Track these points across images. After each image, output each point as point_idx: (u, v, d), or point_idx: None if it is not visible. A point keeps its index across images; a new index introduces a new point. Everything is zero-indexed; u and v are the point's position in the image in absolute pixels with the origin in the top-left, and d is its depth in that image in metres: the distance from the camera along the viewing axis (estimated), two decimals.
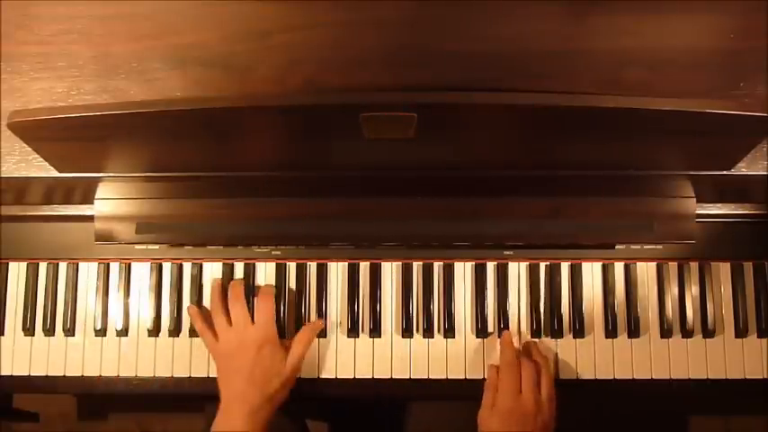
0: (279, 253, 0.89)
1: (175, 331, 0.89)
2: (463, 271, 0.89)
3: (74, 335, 0.89)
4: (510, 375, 0.81)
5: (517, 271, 0.89)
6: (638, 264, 0.89)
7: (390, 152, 0.69)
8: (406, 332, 0.88)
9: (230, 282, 0.88)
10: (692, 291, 0.88)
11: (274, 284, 0.89)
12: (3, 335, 0.90)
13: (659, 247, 0.88)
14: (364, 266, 0.89)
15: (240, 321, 0.84)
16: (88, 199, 0.83)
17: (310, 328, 0.86)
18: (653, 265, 0.89)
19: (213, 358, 0.85)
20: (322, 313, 0.88)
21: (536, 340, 0.87)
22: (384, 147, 0.67)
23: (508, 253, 0.89)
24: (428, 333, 0.88)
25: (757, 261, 0.89)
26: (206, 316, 0.87)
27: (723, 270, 0.89)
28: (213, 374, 0.87)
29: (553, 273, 0.89)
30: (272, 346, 0.83)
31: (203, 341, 0.86)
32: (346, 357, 0.88)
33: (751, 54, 0.69)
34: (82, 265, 0.91)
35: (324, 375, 0.87)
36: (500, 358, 0.84)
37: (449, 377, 0.87)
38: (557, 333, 0.88)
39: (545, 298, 0.89)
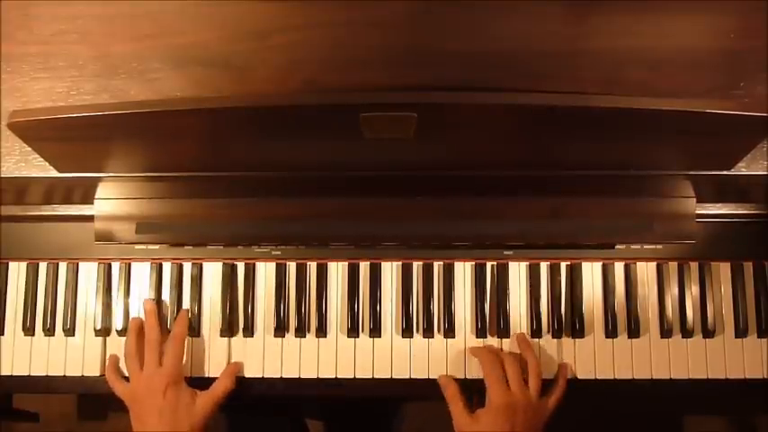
0: (279, 253, 0.89)
1: None
2: (463, 271, 0.89)
3: (74, 335, 0.89)
4: (495, 372, 0.81)
5: (517, 271, 0.89)
6: (638, 264, 0.89)
7: (390, 152, 0.69)
8: (406, 332, 0.88)
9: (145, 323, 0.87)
10: (692, 291, 0.88)
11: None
12: (3, 335, 0.90)
13: (659, 247, 0.88)
14: (364, 266, 0.89)
15: (149, 364, 0.83)
16: (88, 199, 0.83)
17: (229, 371, 0.85)
18: (653, 265, 0.89)
19: (125, 402, 0.84)
20: (322, 313, 0.88)
21: (536, 340, 0.88)
22: (384, 147, 0.67)
23: (508, 253, 0.89)
24: (428, 333, 0.88)
25: (757, 261, 0.89)
26: (117, 362, 0.87)
27: (723, 270, 0.89)
28: (212, 374, 0.87)
29: (553, 273, 0.89)
30: (178, 387, 0.82)
31: (112, 387, 0.85)
32: (346, 357, 0.88)
33: (751, 54, 0.69)
34: (82, 265, 0.90)
35: (324, 375, 0.87)
36: (480, 359, 0.84)
37: (453, 379, 0.86)
38: (557, 333, 0.88)
39: (545, 298, 0.88)
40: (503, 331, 0.87)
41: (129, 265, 0.90)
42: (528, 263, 0.89)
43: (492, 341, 0.88)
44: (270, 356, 0.88)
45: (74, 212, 0.86)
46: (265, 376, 0.87)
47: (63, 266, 0.91)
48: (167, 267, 0.90)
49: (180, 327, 0.86)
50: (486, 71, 0.68)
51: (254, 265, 0.90)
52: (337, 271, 0.89)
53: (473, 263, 0.89)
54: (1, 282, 0.91)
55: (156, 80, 0.69)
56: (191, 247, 0.89)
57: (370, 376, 0.87)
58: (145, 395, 0.82)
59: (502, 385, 0.80)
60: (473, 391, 0.84)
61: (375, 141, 0.64)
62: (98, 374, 0.88)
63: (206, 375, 0.88)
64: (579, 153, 0.70)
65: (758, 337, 0.87)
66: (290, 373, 0.87)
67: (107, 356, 0.88)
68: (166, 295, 0.90)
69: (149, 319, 0.86)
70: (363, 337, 0.88)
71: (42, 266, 0.91)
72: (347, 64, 0.68)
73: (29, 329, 0.90)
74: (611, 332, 0.87)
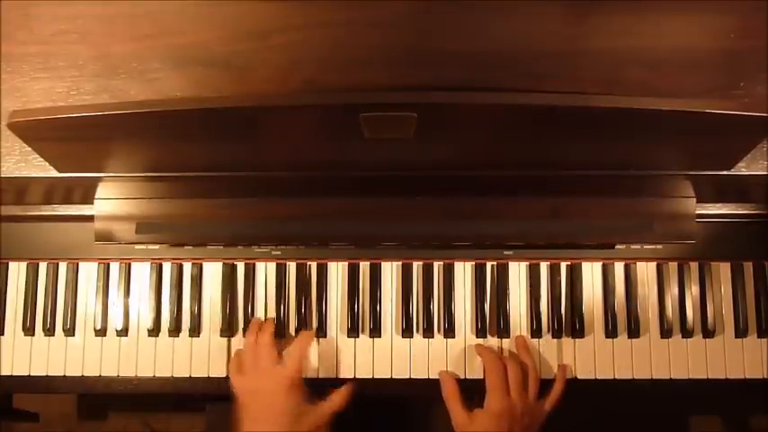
0: (279, 253, 0.89)
1: (175, 331, 0.89)
2: (463, 271, 0.89)
3: (74, 335, 0.89)
4: (497, 376, 0.81)
5: (517, 271, 0.89)
6: (638, 264, 0.89)
7: (390, 152, 0.69)
8: (406, 332, 0.88)
9: (263, 323, 0.87)
10: (692, 291, 0.88)
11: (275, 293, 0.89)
12: (3, 335, 0.90)
13: (659, 247, 0.88)
14: (364, 266, 0.89)
15: (268, 361, 0.83)
16: (88, 199, 0.83)
17: (343, 393, 0.83)
18: (653, 265, 0.89)
19: (238, 396, 0.83)
20: (322, 313, 0.88)
21: (536, 340, 0.88)
22: (384, 147, 0.67)
23: (508, 253, 0.89)
24: (428, 333, 0.88)
25: (757, 261, 0.89)
26: (237, 353, 0.87)
27: (723, 270, 0.89)
28: (213, 374, 0.87)
29: (553, 273, 0.89)
30: (300, 390, 0.81)
31: (231, 378, 0.84)
32: (346, 357, 0.88)
33: (751, 54, 0.69)
34: (82, 265, 0.91)
35: (324, 375, 0.87)
36: (484, 361, 0.84)
37: (454, 377, 0.87)
38: (557, 333, 0.88)
39: (545, 298, 0.89)
40: (503, 331, 0.87)
41: (129, 265, 0.90)
42: (528, 263, 0.89)
43: (492, 341, 0.88)
44: None
45: (74, 212, 0.86)
46: None
47: (63, 266, 0.91)
48: (167, 267, 0.90)
49: (309, 338, 0.86)
50: (486, 71, 0.68)
51: (254, 265, 0.90)
52: (337, 271, 0.90)
53: (473, 263, 0.89)
54: (1, 282, 0.91)
55: (156, 80, 0.69)
56: (191, 247, 0.89)
57: (370, 376, 0.87)
58: (263, 390, 0.81)
59: (502, 390, 0.80)
60: (473, 392, 0.84)
61: (375, 141, 0.64)
62: (98, 375, 0.88)
63: (206, 375, 0.88)
64: (579, 153, 0.70)
65: (758, 337, 0.87)
66: None
67: (107, 356, 0.88)
68: (166, 295, 0.90)
69: (269, 322, 0.86)
70: (363, 337, 0.88)
71: (42, 266, 0.91)
72: (347, 64, 0.68)
73: (29, 329, 0.90)
74: (611, 332, 0.87)
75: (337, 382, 0.86)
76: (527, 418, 0.80)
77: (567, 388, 0.85)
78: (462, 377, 0.86)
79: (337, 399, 0.83)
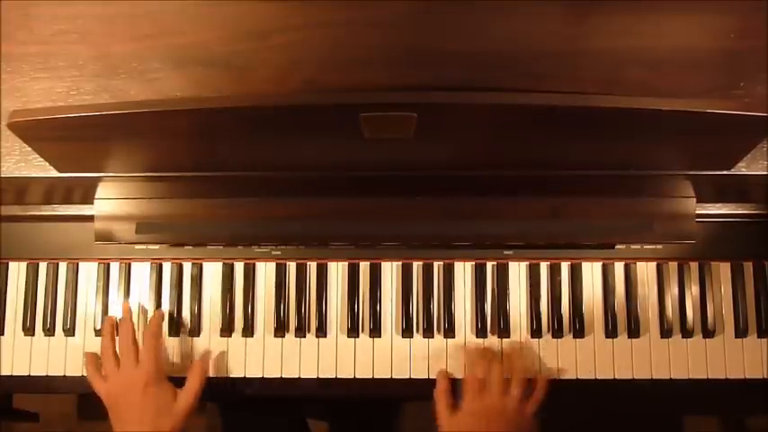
0: (279, 253, 0.89)
1: (175, 331, 0.89)
2: (463, 271, 0.89)
3: (74, 335, 0.89)
4: (472, 377, 0.82)
5: (517, 271, 0.89)
6: (638, 264, 0.89)
7: (390, 152, 0.69)
8: (406, 332, 0.88)
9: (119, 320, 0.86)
10: (692, 291, 0.88)
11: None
12: (3, 335, 0.90)
13: (659, 247, 0.88)
14: (364, 266, 0.89)
15: (126, 362, 0.82)
16: (88, 199, 0.83)
17: (200, 362, 0.85)
18: (653, 265, 0.89)
19: (104, 403, 0.83)
20: (322, 313, 0.88)
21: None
22: (384, 147, 0.67)
23: (508, 253, 0.89)
24: (428, 333, 0.88)
25: (757, 261, 0.89)
26: (96, 359, 0.85)
27: (723, 270, 0.89)
28: (213, 375, 0.87)
29: (553, 273, 0.89)
30: (158, 384, 0.81)
31: (92, 386, 0.84)
32: (346, 357, 0.88)
33: (751, 54, 0.69)
34: (82, 265, 0.91)
35: (324, 375, 0.87)
36: (466, 360, 0.85)
37: (449, 377, 0.87)
38: (557, 333, 0.88)
39: (545, 298, 0.89)
40: (503, 331, 0.87)
41: (129, 265, 0.90)
42: (528, 263, 0.89)
43: (492, 341, 0.88)
44: (270, 356, 0.88)
45: (74, 212, 0.86)
46: (265, 376, 0.87)
47: (63, 266, 0.91)
48: (167, 267, 0.90)
49: (154, 325, 0.85)
50: (486, 71, 0.68)
51: (253, 265, 0.90)
52: (337, 271, 0.90)
53: (473, 263, 0.89)
54: (1, 282, 0.91)
55: (156, 80, 0.69)
56: (191, 247, 0.89)
57: (370, 376, 0.87)
58: (124, 392, 0.81)
59: (476, 390, 0.81)
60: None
61: (375, 141, 0.64)
62: None
63: (206, 375, 0.88)
64: (579, 153, 0.70)
65: (758, 337, 0.87)
66: (290, 373, 0.87)
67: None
68: (166, 295, 0.90)
69: (124, 318, 0.86)
70: (363, 337, 0.88)
71: (42, 266, 0.91)
72: (347, 64, 0.68)
73: (29, 329, 0.90)
74: (611, 332, 0.87)
75: (337, 383, 0.87)
76: (507, 417, 0.79)
77: (567, 388, 0.85)
78: (462, 377, 0.86)
79: (190, 386, 0.82)
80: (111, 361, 0.83)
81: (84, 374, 0.87)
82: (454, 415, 0.81)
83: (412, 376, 0.87)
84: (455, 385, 0.85)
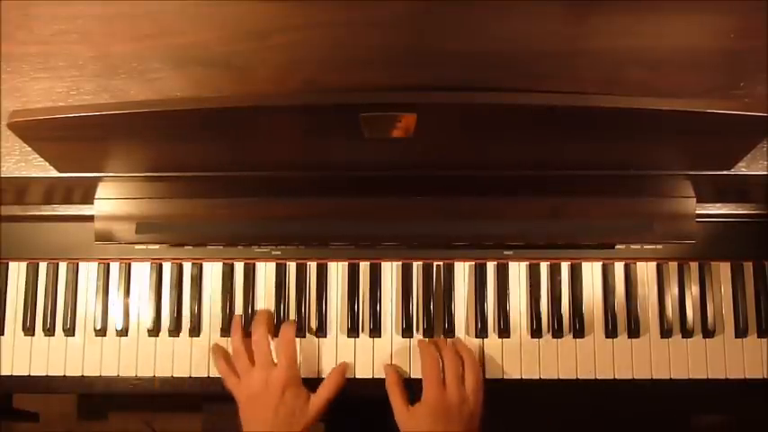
0: (279, 253, 0.89)
1: (175, 331, 0.89)
2: (463, 271, 0.89)
3: (74, 335, 0.89)
4: (432, 369, 0.82)
5: (517, 271, 0.89)
6: (638, 264, 0.89)
7: (390, 152, 0.69)
8: (406, 332, 0.88)
9: (254, 319, 0.86)
10: (692, 291, 0.88)
11: (275, 292, 0.89)
12: (3, 335, 0.90)
13: (659, 247, 0.88)
14: (364, 266, 0.89)
15: (263, 362, 0.83)
16: (88, 199, 0.83)
17: (339, 371, 0.85)
18: (653, 265, 0.89)
19: (236, 400, 0.84)
20: (322, 313, 0.88)
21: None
22: (384, 147, 0.67)
23: (508, 253, 0.89)
24: (428, 333, 0.88)
25: (757, 261, 0.89)
26: (228, 356, 0.86)
27: (723, 270, 0.89)
28: (213, 374, 0.87)
29: (553, 273, 0.89)
30: (296, 388, 0.82)
31: (225, 383, 0.85)
32: (346, 357, 0.88)
33: (751, 54, 0.69)
34: (82, 265, 0.91)
35: (324, 375, 0.87)
36: (420, 355, 0.85)
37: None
38: (557, 333, 0.88)
39: (545, 298, 0.89)
40: (503, 331, 0.87)
41: (129, 265, 0.90)
42: (528, 263, 0.89)
43: (492, 341, 0.88)
44: None
45: (74, 212, 0.86)
46: None
47: (63, 266, 0.91)
48: (167, 267, 0.90)
49: (290, 330, 0.85)
50: (486, 71, 0.68)
51: (253, 265, 0.90)
52: (337, 271, 0.90)
53: (473, 263, 0.89)
54: (1, 282, 0.91)
55: (156, 80, 0.69)
56: (191, 247, 0.89)
57: (370, 376, 0.87)
58: (261, 392, 0.81)
59: (436, 382, 0.81)
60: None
61: (375, 141, 0.64)
62: (98, 375, 0.88)
63: (206, 375, 0.88)
64: (579, 153, 0.70)
65: (758, 337, 0.87)
66: None
67: (107, 356, 0.88)
68: (166, 295, 0.90)
69: (260, 317, 0.86)
70: (363, 337, 0.88)
71: (42, 266, 0.91)
72: (347, 64, 0.68)
73: (29, 329, 0.90)
74: (611, 332, 0.87)
75: None
76: (465, 410, 0.80)
77: (567, 388, 0.85)
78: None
79: (333, 380, 0.84)
80: (246, 359, 0.83)
81: (84, 374, 0.87)
82: (414, 408, 0.81)
83: (412, 376, 0.87)
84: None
